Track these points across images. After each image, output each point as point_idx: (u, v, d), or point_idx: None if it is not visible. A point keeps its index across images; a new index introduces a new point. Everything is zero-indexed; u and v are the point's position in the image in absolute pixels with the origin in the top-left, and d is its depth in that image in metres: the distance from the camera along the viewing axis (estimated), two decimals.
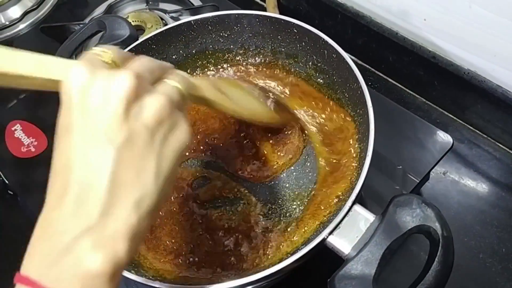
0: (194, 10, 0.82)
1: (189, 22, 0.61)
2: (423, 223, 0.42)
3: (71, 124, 0.30)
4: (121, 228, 0.29)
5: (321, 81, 0.60)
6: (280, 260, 0.43)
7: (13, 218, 0.68)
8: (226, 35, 0.63)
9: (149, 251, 0.52)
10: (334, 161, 0.55)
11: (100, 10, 0.86)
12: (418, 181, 0.59)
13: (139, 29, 0.79)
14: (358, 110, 0.53)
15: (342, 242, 0.43)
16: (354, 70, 0.51)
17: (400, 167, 0.60)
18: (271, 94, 0.56)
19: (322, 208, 0.51)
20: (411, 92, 0.74)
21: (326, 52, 0.56)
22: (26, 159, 0.69)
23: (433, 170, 0.61)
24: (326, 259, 0.43)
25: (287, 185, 0.56)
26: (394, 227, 0.42)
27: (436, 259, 0.40)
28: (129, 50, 0.59)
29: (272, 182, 0.56)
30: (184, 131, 0.33)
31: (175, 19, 0.82)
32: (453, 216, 0.62)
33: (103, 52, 0.33)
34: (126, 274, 0.44)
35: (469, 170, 0.66)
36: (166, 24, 0.78)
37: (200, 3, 0.84)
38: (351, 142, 0.54)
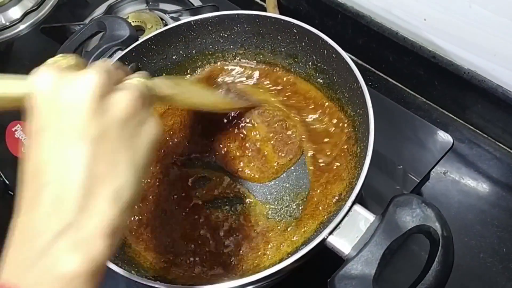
0: (194, 11, 0.82)
1: (189, 22, 0.61)
2: (423, 223, 0.41)
3: (42, 127, 0.30)
4: (100, 223, 0.29)
5: (321, 81, 0.60)
6: (280, 260, 0.43)
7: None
8: (226, 35, 0.63)
9: (149, 251, 0.52)
10: (322, 163, 0.55)
11: (100, 10, 0.86)
12: (418, 181, 0.59)
13: (139, 30, 0.79)
14: (358, 110, 0.53)
15: (342, 242, 0.43)
16: (354, 70, 0.51)
17: (401, 167, 0.60)
18: (232, 89, 0.60)
19: (320, 208, 0.51)
20: (411, 92, 0.74)
21: (326, 52, 0.56)
22: None
23: (433, 169, 0.61)
24: (326, 259, 0.43)
25: (287, 185, 0.56)
26: (394, 227, 0.42)
27: (436, 259, 0.40)
28: (129, 51, 0.59)
29: (272, 182, 0.56)
30: (153, 125, 0.34)
31: (175, 19, 0.82)
32: (454, 216, 0.62)
33: (61, 58, 0.34)
34: (126, 274, 0.44)
35: (470, 170, 0.66)
36: (166, 25, 0.78)
37: (200, 4, 0.84)
38: (344, 147, 0.54)
